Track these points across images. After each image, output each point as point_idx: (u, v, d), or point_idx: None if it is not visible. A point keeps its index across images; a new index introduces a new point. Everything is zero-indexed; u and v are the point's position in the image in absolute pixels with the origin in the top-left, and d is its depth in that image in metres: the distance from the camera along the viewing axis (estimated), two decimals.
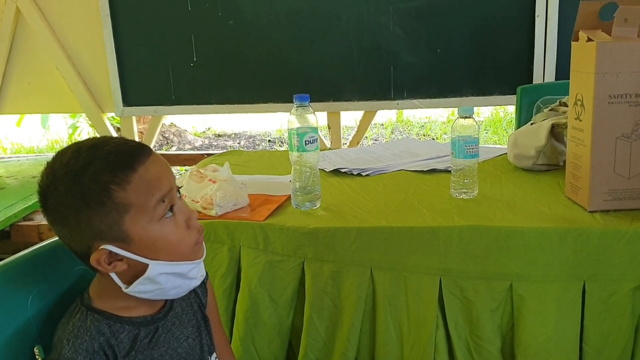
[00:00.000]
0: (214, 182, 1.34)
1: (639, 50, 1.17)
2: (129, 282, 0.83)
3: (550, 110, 1.61)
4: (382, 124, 5.78)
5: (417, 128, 5.69)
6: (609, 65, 1.18)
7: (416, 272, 1.19)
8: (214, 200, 1.29)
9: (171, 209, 0.84)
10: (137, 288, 0.83)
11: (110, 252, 0.80)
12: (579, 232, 1.14)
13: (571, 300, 1.15)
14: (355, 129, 3.28)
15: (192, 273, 0.88)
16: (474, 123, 1.33)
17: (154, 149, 0.88)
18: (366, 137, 4.79)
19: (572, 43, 1.28)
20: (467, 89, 2.84)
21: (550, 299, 1.15)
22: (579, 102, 1.25)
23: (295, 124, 1.28)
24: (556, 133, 1.50)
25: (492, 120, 5.70)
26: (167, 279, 0.84)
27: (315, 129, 1.29)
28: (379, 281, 1.21)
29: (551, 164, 1.52)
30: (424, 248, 1.19)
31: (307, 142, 1.28)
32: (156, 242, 0.82)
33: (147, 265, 0.82)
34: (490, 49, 2.77)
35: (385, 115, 5.83)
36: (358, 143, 3.22)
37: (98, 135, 0.88)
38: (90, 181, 0.78)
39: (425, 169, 1.59)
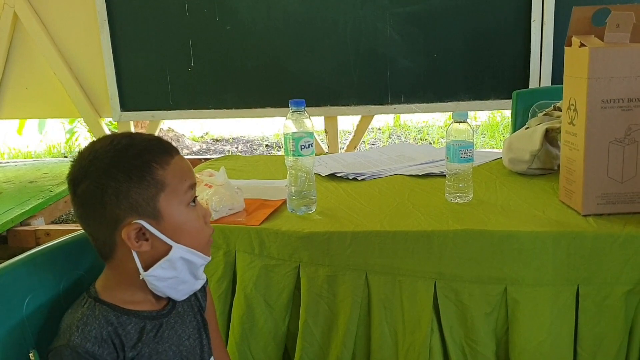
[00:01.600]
0: (210, 186, 1.34)
1: (631, 56, 1.18)
2: (146, 268, 0.86)
3: (544, 114, 1.62)
4: (379, 128, 5.79)
5: (414, 132, 5.69)
6: (601, 70, 1.19)
7: (411, 276, 1.20)
8: (210, 205, 1.30)
9: (193, 200, 0.90)
10: (156, 272, 0.87)
11: (140, 229, 0.84)
12: (573, 236, 1.14)
13: (565, 303, 1.15)
14: (353, 133, 3.29)
15: (200, 272, 0.92)
16: (469, 128, 1.33)
17: None
18: (363, 141, 4.80)
19: (565, 48, 1.29)
20: (464, 94, 2.86)
21: (545, 303, 1.16)
22: (572, 107, 1.26)
23: (291, 128, 1.29)
24: (550, 137, 1.51)
25: (489, 124, 5.71)
26: (183, 267, 0.88)
27: (310, 134, 1.30)
28: (374, 285, 1.22)
29: (545, 168, 1.53)
30: (418, 252, 1.19)
31: (302, 147, 1.28)
32: (183, 225, 0.87)
33: (169, 249, 0.86)
34: (487, 53, 2.78)
35: (383, 120, 5.84)
36: (355, 147, 3.22)
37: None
38: (134, 157, 0.84)
39: (420, 174, 1.60)
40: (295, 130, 1.29)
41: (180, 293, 0.92)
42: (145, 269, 0.87)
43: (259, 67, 2.95)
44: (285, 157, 1.32)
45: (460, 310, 1.19)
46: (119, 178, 0.83)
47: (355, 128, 3.28)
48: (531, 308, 1.16)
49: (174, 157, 0.88)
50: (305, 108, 1.31)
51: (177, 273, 0.88)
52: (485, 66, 2.80)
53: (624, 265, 1.13)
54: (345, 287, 1.22)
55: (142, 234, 0.85)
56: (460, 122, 1.33)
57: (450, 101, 2.87)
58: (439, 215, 1.28)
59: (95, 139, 0.89)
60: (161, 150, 0.87)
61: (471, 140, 1.34)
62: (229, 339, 1.30)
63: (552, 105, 1.65)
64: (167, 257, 0.86)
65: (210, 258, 0.94)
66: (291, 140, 1.29)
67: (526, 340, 1.17)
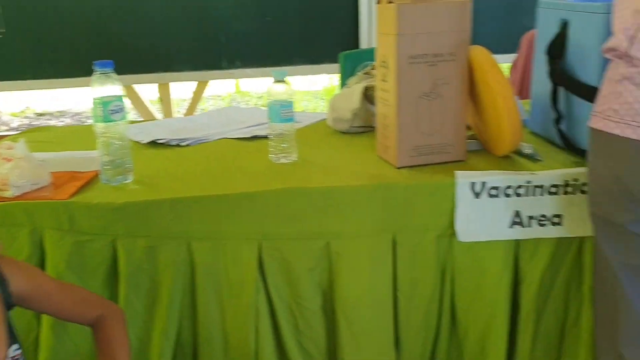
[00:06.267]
0: (10, 160, 1.21)
1: (434, 12, 1.24)
2: None
3: (364, 73, 1.67)
4: (219, 96, 5.69)
5: (255, 99, 5.67)
6: (408, 26, 1.23)
7: (234, 238, 1.18)
8: (9, 180, 1.17)
9: None
10: None
11: None
12: (386, 188, 1.19)
13: (383, 252, 1.20)
14: (190, 101, 3.18)
15: None
16: (288, 87, 1.33)
17: None
18: (202, 109, 4.68)
19: (377, 5, 1.32)
20: (299, 57, 2.87)
21: (364, 253, 1.20)
22: (384, 64, 1.30)
23: (98, 92, 1.19)
24: (369, 95, 1.55)
25: (329, 89, 5.85)
26: None
27: (120, 98, 1.21)
28: (197, 252, 1.18)
29: (367, 125, 1.57)
30: (241, 214, 1.18)
31: (112, 112, 1.20)
32: None
33: None
34: (318, 16, 2.81)
35: (224, 88, 5.74)
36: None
37: None
38: None
39: (247, 136, 1.57)
40: (102, 94, 1.19)
41: None
42: None
43: (81, 32, 2.72)
44: (94, 124, 1.22)
45: (284, 267, 1.19)
46: None
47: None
48: (352, 259, 1.20)
49: None
50: (114, 70, 1.21)
51: None
52: (318, 29, 2.83)
53: (432, 212, 1.20)
54: (167, 257, 1.17)
55: None
56: (280, 81, 1.32)
57: (287, 65, 2.86)
58: (263, 176, 1.27)
59: None
60: None
61: (291, 100, 1.33)
62: (42, 322, 1.19)
63: (372, 65, 1.70)
64: None
65: None
66: (99, 106, 1.19)
67: (349, 290, 1.20)
